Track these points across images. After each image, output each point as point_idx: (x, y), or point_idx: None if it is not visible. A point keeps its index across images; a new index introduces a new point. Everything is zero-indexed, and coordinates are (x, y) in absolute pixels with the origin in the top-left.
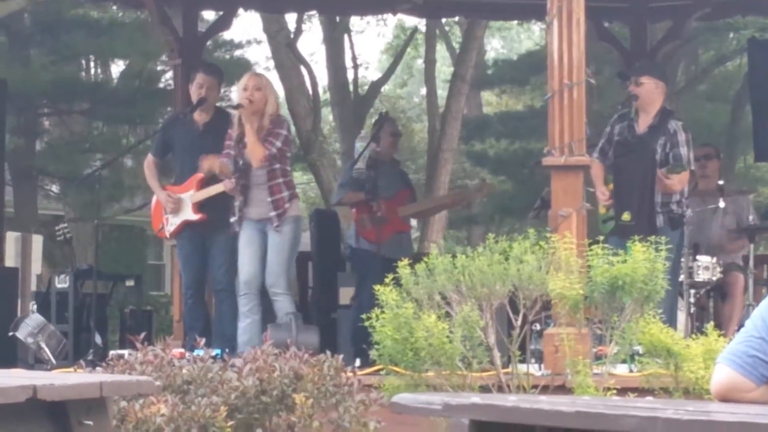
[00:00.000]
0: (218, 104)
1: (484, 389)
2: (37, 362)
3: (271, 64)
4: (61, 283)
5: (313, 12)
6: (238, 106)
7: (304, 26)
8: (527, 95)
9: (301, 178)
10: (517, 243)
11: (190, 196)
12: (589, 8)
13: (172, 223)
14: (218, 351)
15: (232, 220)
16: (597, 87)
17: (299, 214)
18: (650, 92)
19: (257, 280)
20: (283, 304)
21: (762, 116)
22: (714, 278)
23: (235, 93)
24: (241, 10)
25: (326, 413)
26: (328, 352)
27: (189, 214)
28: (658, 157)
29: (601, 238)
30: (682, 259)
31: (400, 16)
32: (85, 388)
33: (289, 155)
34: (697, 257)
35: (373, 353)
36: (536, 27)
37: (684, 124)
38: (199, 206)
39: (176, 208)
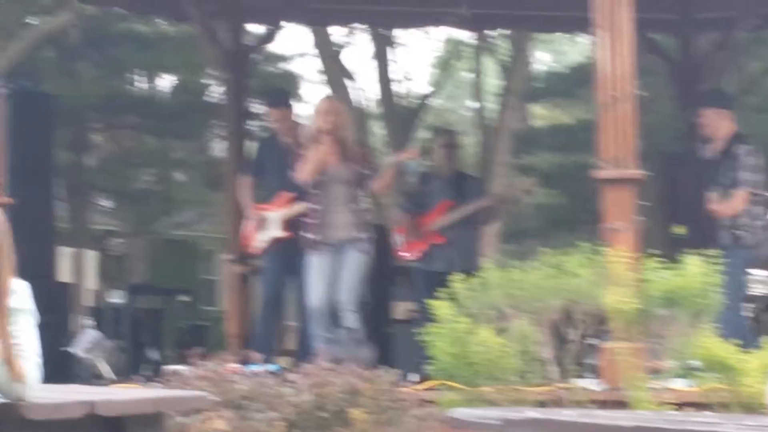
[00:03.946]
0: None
1: (540, 404)
2: (93, 378)
3: (319, 77)
4: (116, 298)
5: (361, 25)
6: (318, 132)
7: (351, 39)
8: (577, 108)
9: None
10: (571, 257)
11: (281, 214)
12: (636, 20)
13: (261, 240)
14: (275, 366)
15: (311, 237)
16: (646, 99)
17: (373, 236)
18: (713, 122)
19: (328, 304)
20: (350, 322)
21: None
22: None
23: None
24: (287, 24)
25: (383, 428)
26: (384, 367)
27: (278, 231)
28: (723, 180)
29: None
30: None
31: (448, 29)
32: (142, 404)
33: None
34: (752, 271)
35: (429, 368)
36: (584, 39)
37: (754, 148)
38: (288, 224)
39: (263, 224)
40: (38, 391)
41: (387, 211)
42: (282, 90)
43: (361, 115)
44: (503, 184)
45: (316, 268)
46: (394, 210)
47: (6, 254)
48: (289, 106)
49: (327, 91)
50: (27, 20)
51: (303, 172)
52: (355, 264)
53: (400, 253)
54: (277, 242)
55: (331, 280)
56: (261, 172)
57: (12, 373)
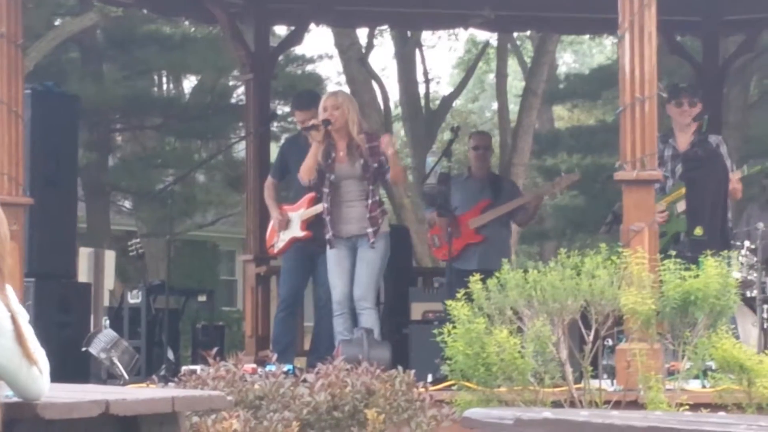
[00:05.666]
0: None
1: (556, 404)
2: (110, 377)
3: (343, 78)
4: (134, 298)
5: (385, 27)
6: (326, 123)
7: (375, 41)
8: (599, 109)
9: None
10: (588, 258)
11: (300, 214)
12: (661, 22)
13: (281, 240)
14: (290, 366)
15: (328, 236)
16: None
17: (388, 230)
18: (692, 114)
19: (350, 299)
20: (369, 319)
21: None
22: None
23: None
24: (312, 25)
25: (398, 429)
26: (400, 368)
27: (296, 231)
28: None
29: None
30: (755, 275)
31: (471, 30)
32: (157, 403)
33: None
34: None
35: (444, 368)
36: (608, 41)
37: (722, 137)
38: (308, 224)
39: (284, 224)
40: (53, 390)
41: (408, 213)
42: (310, 92)
43: (384, 116)
44: (545, 183)
45: (332, 264)
46: (427, 210)
47: None
48: (317, 108)
49: (351, 92)
50: (54, 22)
51: (302, 173)
52: (370, 260)
53: (435, 253)
54: (295, 242)
55: (348, 276)
56: (286, 174)
57: (26, 355)
